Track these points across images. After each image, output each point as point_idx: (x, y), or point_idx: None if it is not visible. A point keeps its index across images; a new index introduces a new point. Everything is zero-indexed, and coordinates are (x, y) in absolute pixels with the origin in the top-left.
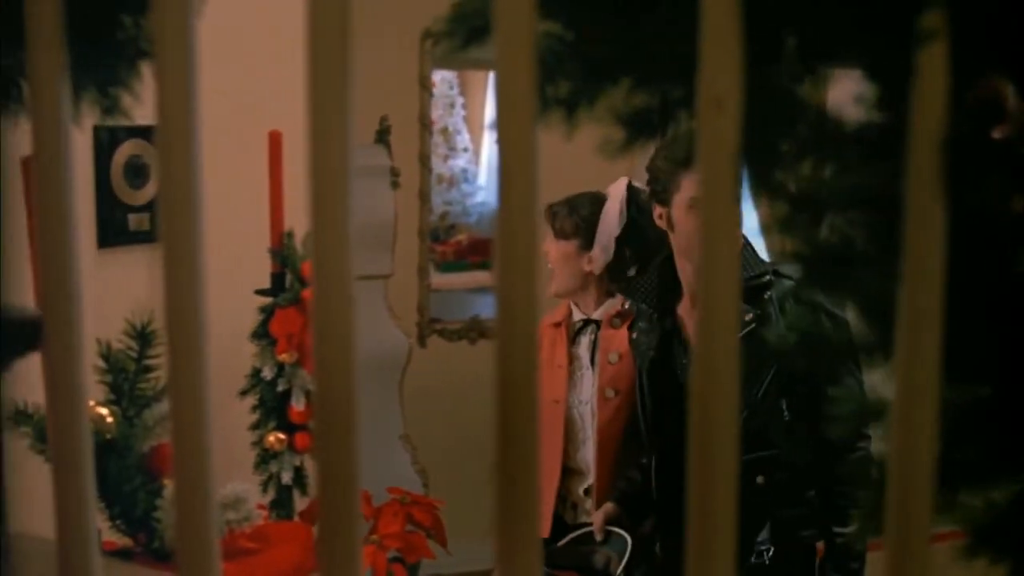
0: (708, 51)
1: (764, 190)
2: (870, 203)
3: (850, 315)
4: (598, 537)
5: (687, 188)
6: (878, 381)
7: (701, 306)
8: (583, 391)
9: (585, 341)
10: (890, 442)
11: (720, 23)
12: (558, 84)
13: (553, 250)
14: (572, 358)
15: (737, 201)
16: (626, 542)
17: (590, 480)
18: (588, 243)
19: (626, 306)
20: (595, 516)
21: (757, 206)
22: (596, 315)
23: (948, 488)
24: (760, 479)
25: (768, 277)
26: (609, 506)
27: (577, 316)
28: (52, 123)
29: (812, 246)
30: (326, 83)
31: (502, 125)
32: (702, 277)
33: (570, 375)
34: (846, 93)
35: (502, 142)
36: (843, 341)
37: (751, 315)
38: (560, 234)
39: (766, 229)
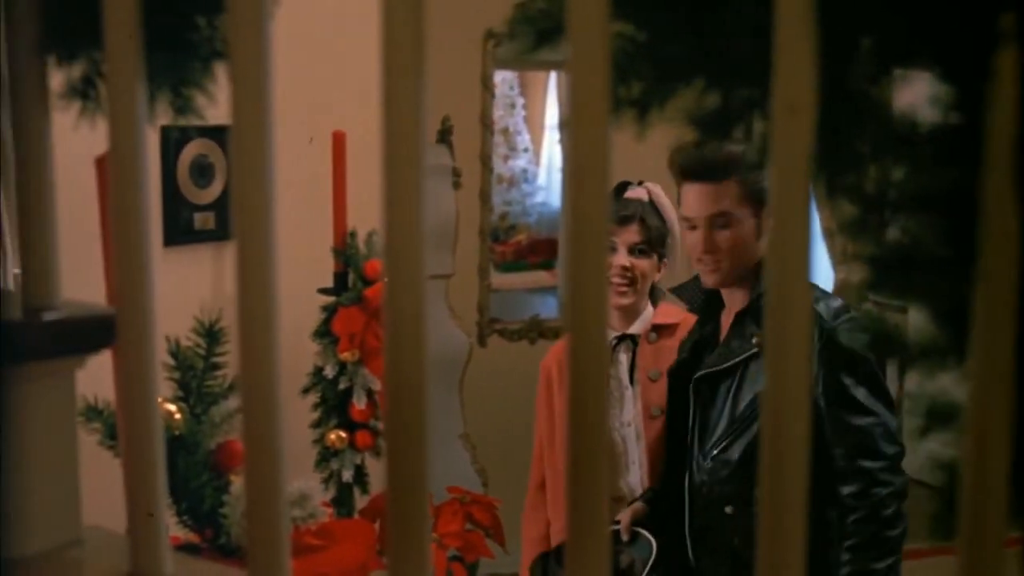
0: (782, 53)
1: (834, 193)
2: (943, 205)
3: (913, 317)
4: (624, 537)
5: (684, 204)
6: (949, 384)
7: (770, 314)
8: (625, 412)
9: (624, 359)
10: (963, 447)
11: (795, 24)
12: (630, 85)
13: (640, 265)
14: (607, 378)
15: (809, 205)
16: (651, 546)
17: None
18: (660, 255)
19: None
20: (623, 515)
21: (819, 209)
22: (633, 330)
23: (1018, 492)
24: (729, 509)
25: None
26: (638, 505)
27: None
28: (128, 123)
29: (882, 248)
30: (401, 82)
31: (575, 127)
32: (771, 283)
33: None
34: (915, 94)
35: (574, 144)
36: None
37: (758, 338)
38: (648, 246)
39: (829, 233)
